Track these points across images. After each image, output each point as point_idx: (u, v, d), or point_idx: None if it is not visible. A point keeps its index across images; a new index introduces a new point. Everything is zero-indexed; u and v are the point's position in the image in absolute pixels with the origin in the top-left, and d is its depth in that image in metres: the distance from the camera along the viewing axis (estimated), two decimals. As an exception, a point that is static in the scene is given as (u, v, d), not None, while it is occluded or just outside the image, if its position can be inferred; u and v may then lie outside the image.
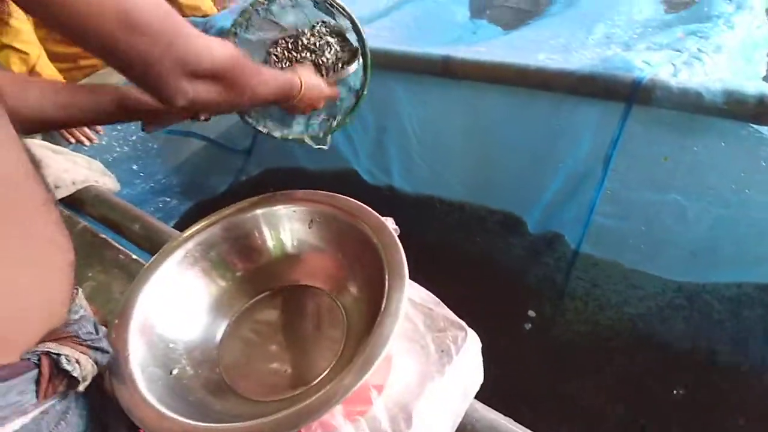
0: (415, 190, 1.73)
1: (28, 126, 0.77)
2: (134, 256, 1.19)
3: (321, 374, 0.65)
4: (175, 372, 0.67)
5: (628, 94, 1.16)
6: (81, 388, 0.54)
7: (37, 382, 0.51)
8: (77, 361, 0.53)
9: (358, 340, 0.67)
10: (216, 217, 0.76)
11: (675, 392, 1.33)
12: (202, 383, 0.67)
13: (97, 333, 0.58)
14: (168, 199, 1.89)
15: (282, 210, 0.76)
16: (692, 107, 1.13)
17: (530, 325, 1.57)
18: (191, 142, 1.96)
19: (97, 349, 0.57)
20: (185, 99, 0.59)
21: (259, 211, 0.76)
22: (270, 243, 0.76)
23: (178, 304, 0.72)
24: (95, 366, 0.56)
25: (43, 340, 0.53)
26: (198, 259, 0.73)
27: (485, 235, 1.69)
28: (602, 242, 1.42)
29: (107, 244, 1.24)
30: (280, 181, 1.86)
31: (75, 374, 0.52)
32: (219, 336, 0.73)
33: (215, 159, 1.94)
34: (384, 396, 0.64)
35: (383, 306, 0.61)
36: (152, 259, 0.72)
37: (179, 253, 0.72)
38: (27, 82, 0.78)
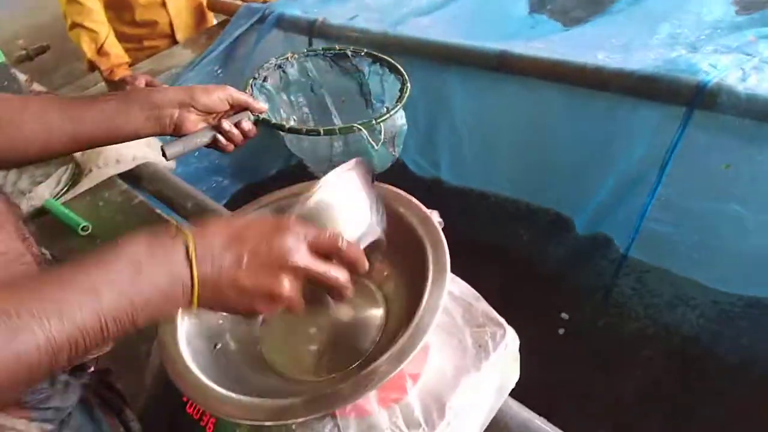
0: (462, 184, 1.72)
1: (31, 150, 0.69)
2: (186, 232, 1.24)
3: (358, 359, 0.66)
4: (218, 346, 0.69)
5: (691, 98, 1.12)
6: None
7: None
8: (13, 429, 0.46)
9: (397, 328, 0.68)
10: (266, 199, 0.78)
11: (719, 408, 1.28)
12: (243, 359, 0.69)
13: (53, 385, 0.51)
14: (220, 179, 1.94)
15: (330, 196, 0.77)
16: (760, 114, 1.08)
17: (563, 329, 1.54)
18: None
19: (47, 408, 0.50)
20: None
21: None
22: (317, 228, 0.78)
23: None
24: (47, 424, 0.50)
25: None
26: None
27: (531, 233, 1.66)
28: (653, 248, 1.37)
29: (161, 219, 1.29)
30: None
31: None
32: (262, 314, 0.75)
33: (267, 143, 1.98)
34: (419, 386, 0.65)
35: (424, 298, 0.61)
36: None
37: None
38: (24, 100, 0.70)
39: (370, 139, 0.93)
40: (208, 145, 0.84)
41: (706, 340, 1.36)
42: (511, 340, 0.69)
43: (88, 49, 1.73)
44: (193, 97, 0.79)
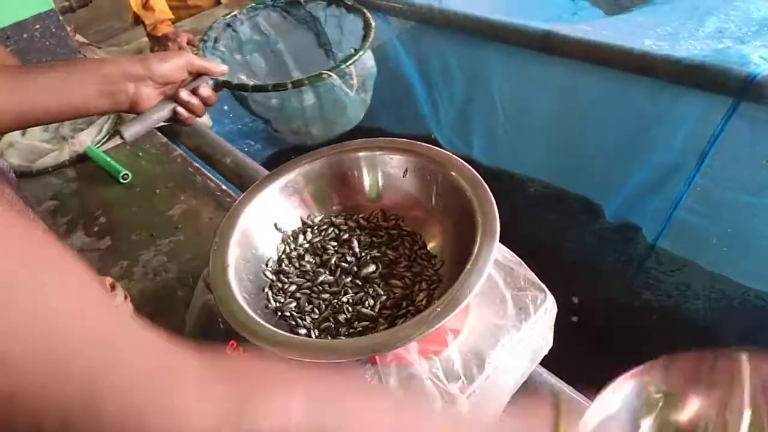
0: (494, 164, 1.72)
1: None
2: (223, 187, 1.26)
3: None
4: (266, 290, 0.72)
5: (739, 89, 1.11)
6: None
7: None
8: None
9: (443, 285, 0.70)
10: (319, 153, 0.79)
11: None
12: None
13: None
14: (253, 143, 1.96)
15: (380, 156, 0.79)
16: (807, 110, 1.08)
17: (577, 317, 1.55)
18: (280, 91, 2.02)
19: None
20: None
21: (360, 154, 0.79)
22: (366, 184, 0.79)
23: (273, 231, 0.77)
24: None
25: None
26: (298, 190, 0.78)
27: (559, 218, 1.67)
28: (682, 239, 1.38)
29: (199, 171, 1.32)
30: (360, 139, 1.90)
31: None
32: (308, 264, 0.77)
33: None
34: (459, 341, 0.67)
35: (471, 259, 0.62)
36: (256, 182, 0.77)
37: (281, 181, 0.77)
38: None
39: (343, 86, 0.87)
40: (167, 120, 0.77)
41: (731, 338, 1.36)
42: (550, 305, 0.71)
43: (134, 2, 1.75)
44: (150, 69, 0.72)
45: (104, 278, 0.75)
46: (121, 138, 0.74)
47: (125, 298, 0.79)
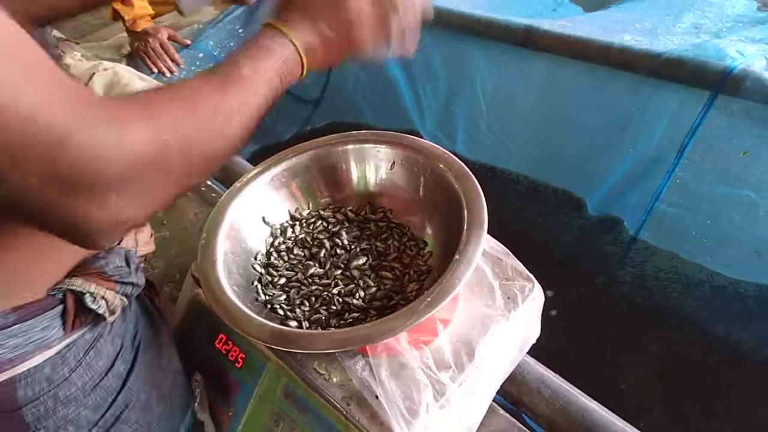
0: (477, 159, 1.73)
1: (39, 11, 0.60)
2: (208, 182, 1.25)
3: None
4: (255, 283, 0.72)
5: (717, 82, 1.14)
6: (110, 319, 0.55)
7: (64, 316, 0.51)
8: (104, 297, 0.53)
9: (432, 275, 0.70)
10: (307, 146, 0.79)
11: (721, 396, 1.31)
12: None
13: (129, 266, 0.58)
14: (236, 140, 1.94)
15: (367, 148, 0.79)
16: (783, 103, 1.10)
17: (555, 311, 1.56)
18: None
19: (126, 283, 0.57)
20: (108, 227, 0.38)
21: (348, 147, 0.79)
22: (354, 177, 0.79)
23: (261, 224, 0.76)
24: (125, 299, 0.57)
25: (71, 274, 0.53)
26: (285, 183, 0.77)
27: (542, 212, 1.68)
28: (663, 231, 1.40)
29: (183, 168, 1.30)
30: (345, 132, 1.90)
31: (100, 311, 0.53)
32: (297, 257, 0.77)
33: (284, 106, 1.98)
34: (449, 330, 0.67)
35: (460, 250, 0.62)
36: (244, 176, 0.76)
37: (269, 174, 0.76)
38: None
39: None
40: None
41: (712, 326, 1.39)
42: (538, 294, 0.72)
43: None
44: None
45: None
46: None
47: None
